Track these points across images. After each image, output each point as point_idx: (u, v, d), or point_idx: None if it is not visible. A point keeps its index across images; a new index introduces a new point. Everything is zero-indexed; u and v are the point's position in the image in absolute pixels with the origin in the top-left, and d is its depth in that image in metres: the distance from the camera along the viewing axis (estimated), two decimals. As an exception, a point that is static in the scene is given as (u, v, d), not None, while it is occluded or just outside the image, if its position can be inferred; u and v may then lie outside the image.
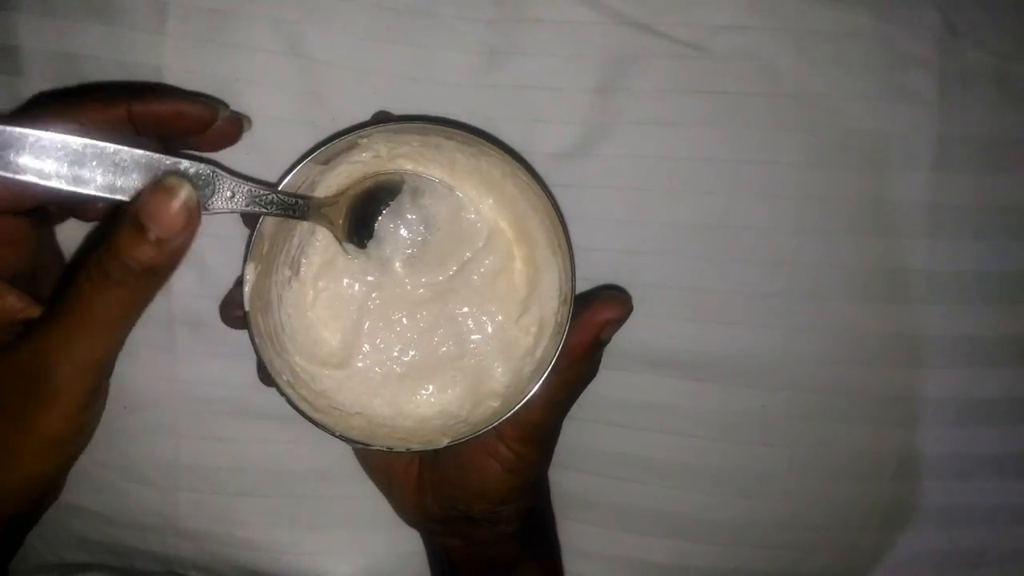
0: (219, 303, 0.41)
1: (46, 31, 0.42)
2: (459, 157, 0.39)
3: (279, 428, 0.46)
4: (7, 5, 0.42)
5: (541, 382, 0.35)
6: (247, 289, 0.35)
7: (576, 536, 0.48)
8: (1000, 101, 0.43)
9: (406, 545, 0.47)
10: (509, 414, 0.35)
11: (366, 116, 0.43)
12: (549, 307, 0.38)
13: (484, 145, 0.37)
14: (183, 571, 0.49)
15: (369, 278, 0.41)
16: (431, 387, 0.40)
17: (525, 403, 0.35)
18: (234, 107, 0.43)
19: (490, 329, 0.40)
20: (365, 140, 0.37)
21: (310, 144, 0.43)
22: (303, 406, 0.36)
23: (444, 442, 0.36)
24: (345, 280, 0.41)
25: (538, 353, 0.38)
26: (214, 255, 0.44)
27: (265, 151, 0.43)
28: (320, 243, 0.40)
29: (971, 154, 0.43)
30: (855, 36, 0.43)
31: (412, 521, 0.45)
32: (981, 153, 0.43)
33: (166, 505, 0.47)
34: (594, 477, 0.47)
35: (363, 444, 0.36)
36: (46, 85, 0.43)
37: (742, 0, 0.42)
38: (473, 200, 0.40)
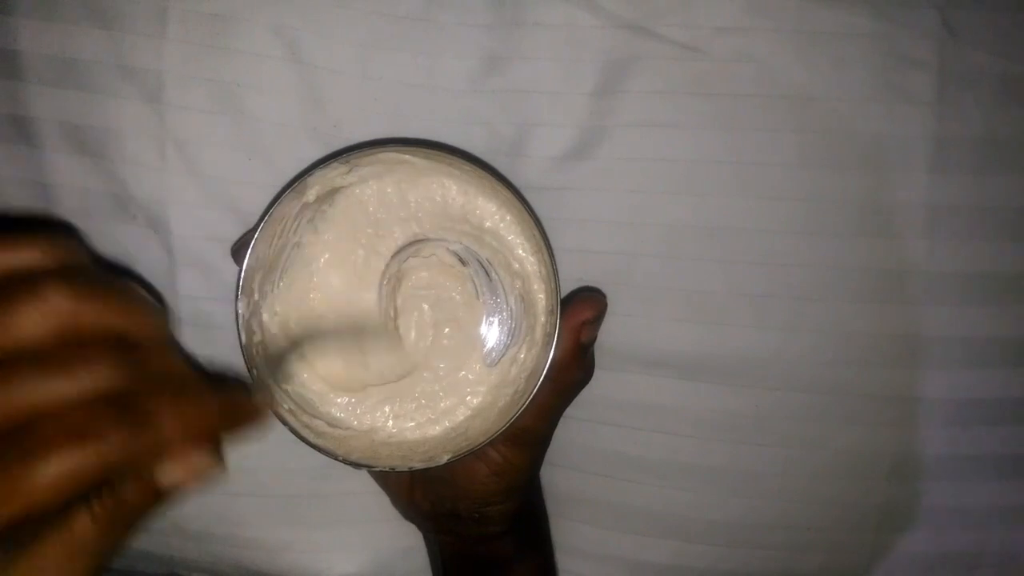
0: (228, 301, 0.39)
1: (46, 35, 0.42)
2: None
3: (279, 426, 0.46)
4: (7, 9, 0.42)
5: (535, 392, 0.35)
6: (240, 324, 0.36)
7: (571, 535, 0.48)
8: (999, 102, 0.43)
9: (407, 540, 0.47)
10: (505, 426, 0.36)
11: (367, 122, 0.43)
12: (537, 318, 0.38)
13: (459, 163, 0.37)
14: (186, 572, 0.49)
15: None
16: (440, 406, 0.40)
17: (519, 412, 0.36)
18: (235, 112, 0.43)
19: (490, 343, 0.40)
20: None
21: (311, 149, 0.43)
22: (305, 433, 0.37)
23: (445, 459, 0.36)
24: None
25: (530, 363, 0.38)
26: (218, 257, 0.44)
27: (266, 157, 0.43)
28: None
29: (969, 155, 0.43)
30: (853, 37, 0.43)
31: (407, 515, 0.45)
32: (979, 154, 0.43)
33: (168, 506, 0.47)
34: (590, 476, 0.47)
35: (367, 466, 0.37)
36: (46, 90, 0.43)
37: (740, 1, 0.42)
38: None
